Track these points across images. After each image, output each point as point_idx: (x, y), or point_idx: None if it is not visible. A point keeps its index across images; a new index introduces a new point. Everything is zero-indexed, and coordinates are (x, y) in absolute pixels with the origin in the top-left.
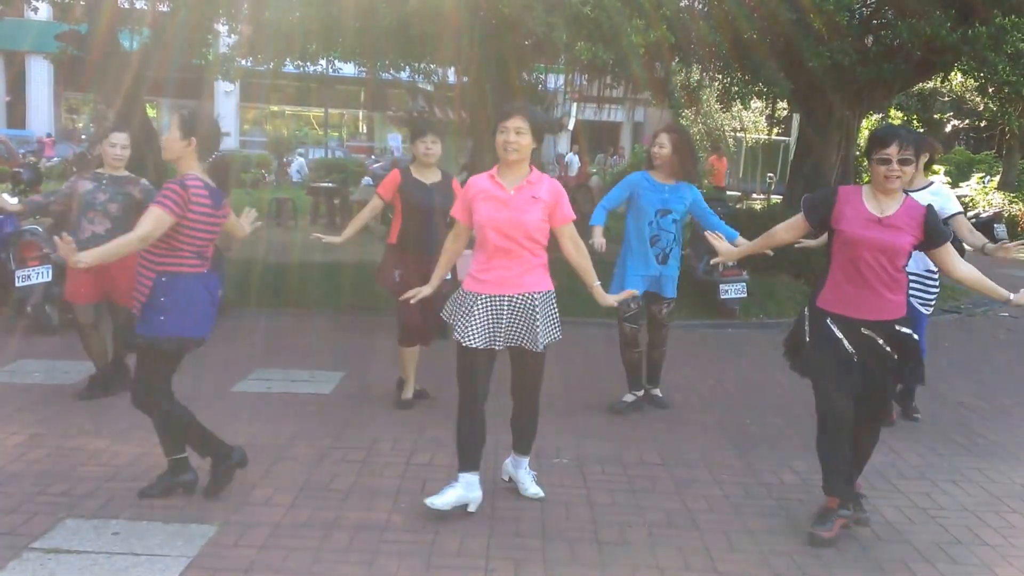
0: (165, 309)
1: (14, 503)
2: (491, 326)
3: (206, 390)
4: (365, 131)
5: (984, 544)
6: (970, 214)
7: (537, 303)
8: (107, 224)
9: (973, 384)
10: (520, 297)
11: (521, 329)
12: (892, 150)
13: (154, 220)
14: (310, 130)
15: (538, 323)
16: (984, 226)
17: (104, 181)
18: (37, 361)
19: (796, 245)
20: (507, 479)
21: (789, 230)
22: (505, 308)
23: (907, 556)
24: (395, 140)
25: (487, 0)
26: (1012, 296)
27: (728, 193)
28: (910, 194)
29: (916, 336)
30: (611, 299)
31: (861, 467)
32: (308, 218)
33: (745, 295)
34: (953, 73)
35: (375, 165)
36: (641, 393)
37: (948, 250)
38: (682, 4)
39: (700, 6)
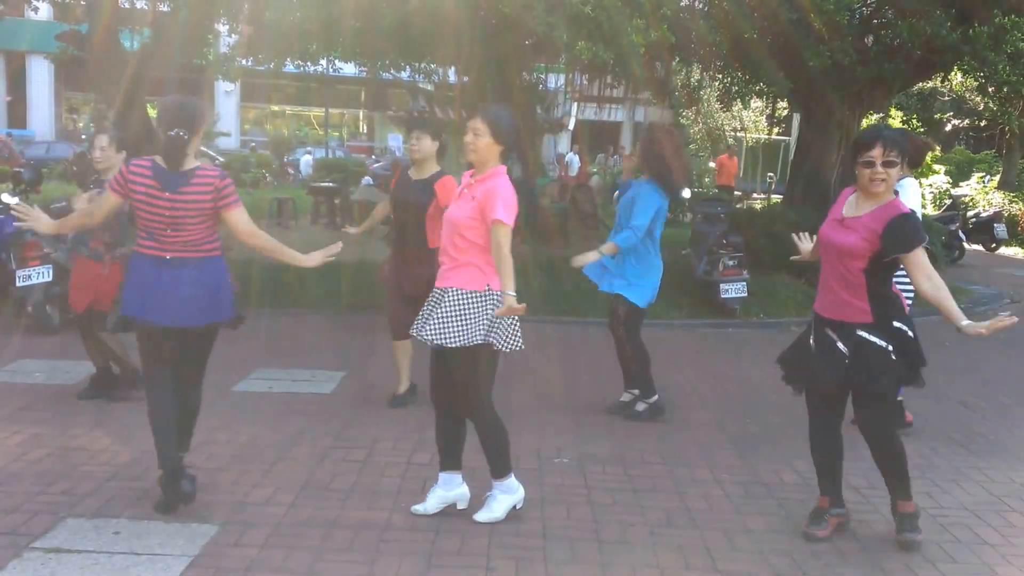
0: (124, 286)
1: (15, 502)
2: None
3: (207, 390)
4: (365, 131)
5: (984, 543)
6: (970, 214)
7: (446, 297)
8: (112, 232)
9: (973, 384)
10: (437, 291)
11: (428, 319)
12: (876, 152)
13: (98, 198)
14: (310, 130)
15: (435, 315)
16: (984, 225)
17: (103, 189)
18: (38, 361)
19: None
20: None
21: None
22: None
23: (907, 555)
24: (395, 140)
25: (487, 0)
26: (963, 323)
27: (737, 194)
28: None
29: (884, 345)
30: (502, 311)
31: (892, 487)
32: (309, 218)
33: (745, 295)
34: (953, 73)
35: (375, 165)
36: (637, 391)
37: (912, 260)
38: (682, 4)
39: (700, 6)
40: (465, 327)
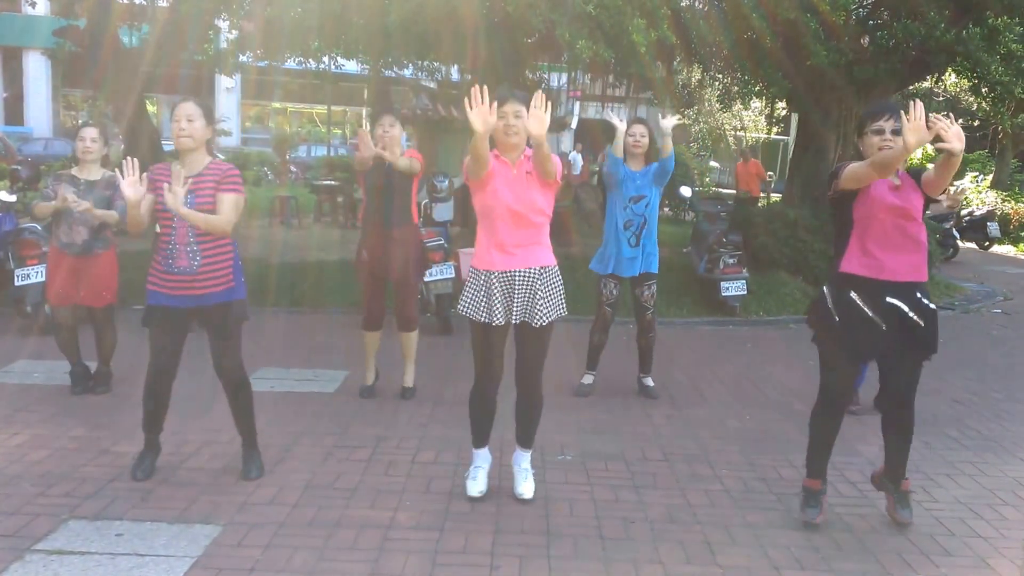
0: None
1: (16, 505)
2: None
3: (209, 389)
4: (368, 128)
5: (977, 536)
6: (964, 212)
7: (547, 275)
8: (84, 234)
9: (966, 380)
10: (533, 271)
11: (540, 302)
12: (885, 121)
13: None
14: (313, 127)
15: (548, 295)
16: (978, 224)
17: (81, 187)
18: (37, 362)
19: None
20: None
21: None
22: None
23: (902, 548)
24: (402, 138)
25: None
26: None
27: (724, 192)
28: None
29: (934, 307)
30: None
31: (904, 463)
32: (312, 216)
33: (745, 292)
34: (947, 73)
35: None
36: (596, 374)
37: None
38: (683, 4)
39: (701, 6)
40: (562, 299)
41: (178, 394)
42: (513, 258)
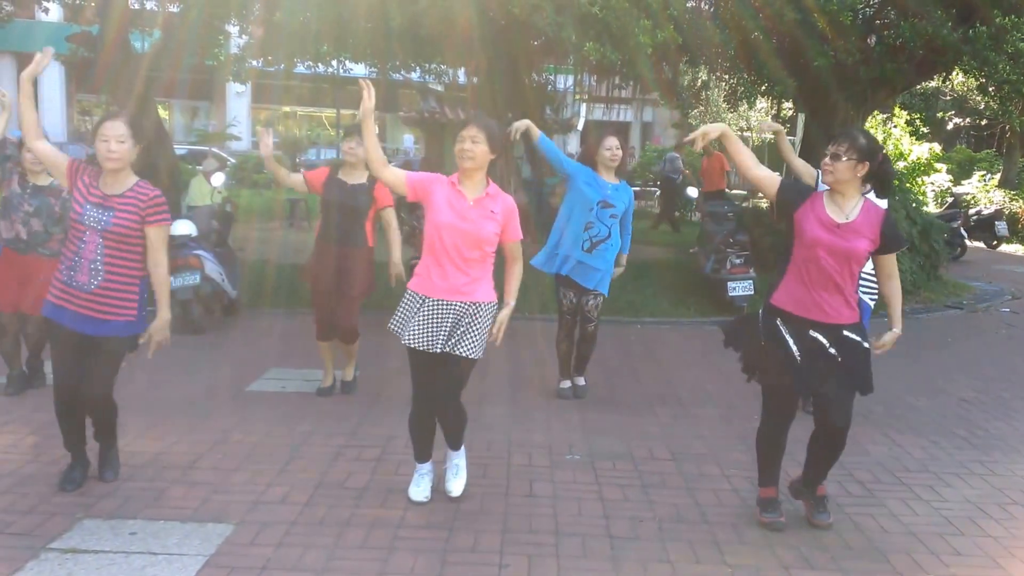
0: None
1: (31, 504)
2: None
3: (221, 390)
4: (377, 132)
5: (987, 535)
6: (972, 211)
7: (480, 311)
8: (23, 234)
9: (975, 379)
10: (467, 305)
11: (464, 335)
12: (834, 146)
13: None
14: (322, 131)
15: (473, 329)
16: (985, 223)
17: (29, 189)
18: (49, 363)
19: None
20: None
21: (766, 178)
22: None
23: (912, 547)
24: (409, 141)
25: (496, 0)
26: (896, 329)
27: (735, 192)
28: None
29: (866, 345)
30: (504, 318)
31: (824, 474)
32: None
33: (752, 292)
34: (954, 72)
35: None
36: (571, 380)
37: (891, 259)
38: (689, 5)
39: (707, 7)
40: (484, 342)
41: (185, 397)
42: (451, 289)
